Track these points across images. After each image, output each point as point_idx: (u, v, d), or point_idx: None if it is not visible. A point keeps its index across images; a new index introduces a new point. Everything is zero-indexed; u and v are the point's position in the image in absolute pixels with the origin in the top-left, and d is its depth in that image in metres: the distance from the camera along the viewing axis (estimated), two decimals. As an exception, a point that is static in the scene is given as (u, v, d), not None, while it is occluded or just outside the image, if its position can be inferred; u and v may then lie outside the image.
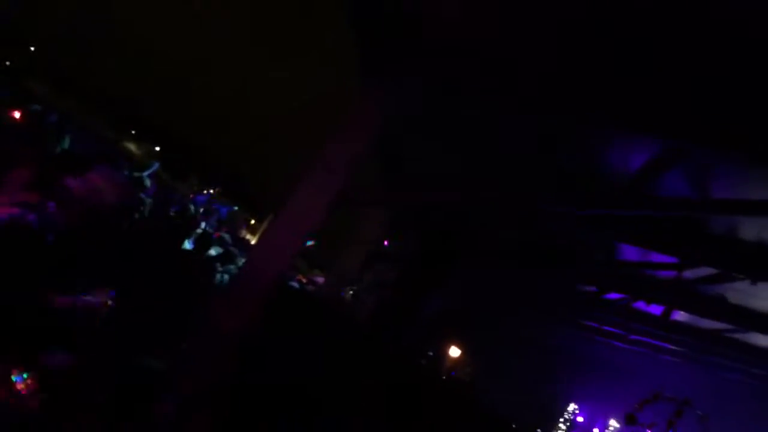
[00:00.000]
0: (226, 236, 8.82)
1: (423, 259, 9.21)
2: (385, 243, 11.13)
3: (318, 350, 4.30)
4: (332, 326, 4.73)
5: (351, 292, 11.89)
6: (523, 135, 6.77)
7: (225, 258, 10.87)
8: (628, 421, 14.50)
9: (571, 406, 17.95)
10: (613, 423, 15.79)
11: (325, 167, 6.00)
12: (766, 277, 7.39)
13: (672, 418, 13.56)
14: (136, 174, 8.26)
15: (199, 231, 10.28)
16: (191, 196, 15.29)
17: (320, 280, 15.49)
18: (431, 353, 13.17)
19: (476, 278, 12.42)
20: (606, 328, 13.71)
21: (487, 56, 5.53)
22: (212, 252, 10.00)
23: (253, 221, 17.98)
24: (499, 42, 5.28)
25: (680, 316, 10.85)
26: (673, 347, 13.65)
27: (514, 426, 8.21)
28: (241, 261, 9.89)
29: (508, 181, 7.87)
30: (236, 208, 14.97)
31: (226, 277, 9.38)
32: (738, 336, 10.90)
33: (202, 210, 13.80)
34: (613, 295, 11.09)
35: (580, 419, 17.75)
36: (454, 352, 14.82)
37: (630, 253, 9.09)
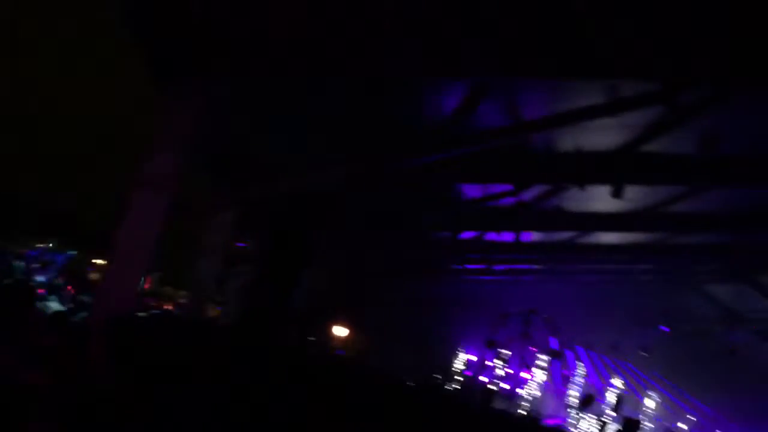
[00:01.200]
0: (59, 282, 8.17)
1: (279, 252, 9.08)
2: (240, 244, 10.86)
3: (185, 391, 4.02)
4: (194, 345, 4.51)
5: (219, 300, 11.53)
6: (346, 100, 6.74)
7: (75, 308, 10.12)
8: (488, 345, 15.42)
9: (463, 354, 18.58)
10: (503, 351, 16.50)
11: (148, 186, 5.72)
12: (590, 180, 7.98)
13: (524, 330, 14.66)
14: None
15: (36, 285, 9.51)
16: (21, 252, 14.07)
17: (185, 300, 14.85)
18: (312, 338, 13.10)
19: (341, 255, 12.46)
20: (469, 266, 14.31)
21: (282, 36, 5.45)
22: (55, 306, 9.28)
23: (99, 261, 16.81)
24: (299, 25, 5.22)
25: (530, 236, 11.54)
26: (533, 266, 14.55)
27: (408, 383, 8.34)
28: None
29: (347, 148, 7.85)
30: (75, 252, 13.97)
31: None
32: (584, 240, 11.77)
33: (36, 265, 12.78)
34: (467, 234, 11.54)
35: (472, 358, 18.40)
36: (339, 331, 14.83)
37: (471, 190, 9.46)
